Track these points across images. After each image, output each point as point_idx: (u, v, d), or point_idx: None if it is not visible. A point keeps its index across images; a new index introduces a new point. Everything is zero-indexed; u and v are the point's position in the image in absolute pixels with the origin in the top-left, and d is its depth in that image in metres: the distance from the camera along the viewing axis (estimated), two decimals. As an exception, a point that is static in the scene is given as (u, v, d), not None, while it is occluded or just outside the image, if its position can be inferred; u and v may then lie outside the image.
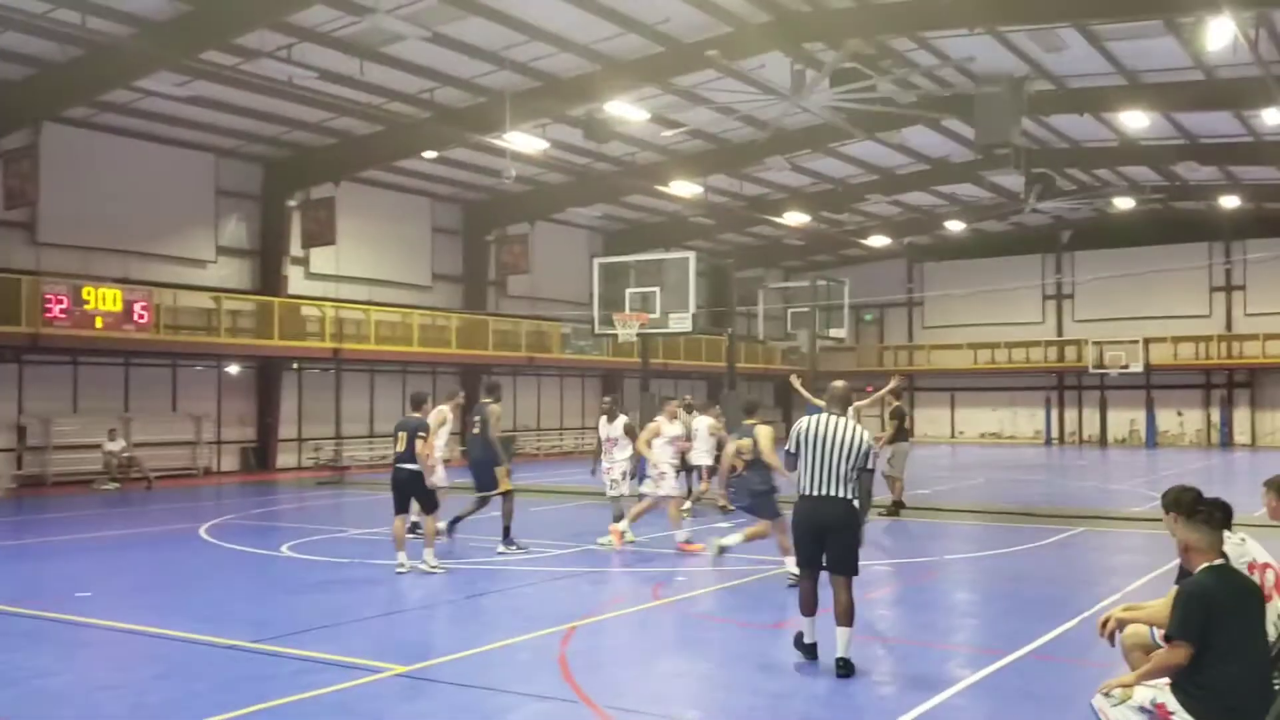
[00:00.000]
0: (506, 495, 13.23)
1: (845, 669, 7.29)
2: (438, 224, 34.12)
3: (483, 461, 13.21)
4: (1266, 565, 5.56)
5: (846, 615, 7.41)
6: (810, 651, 7.65)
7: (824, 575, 7.57)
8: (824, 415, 7.60)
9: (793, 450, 7.57)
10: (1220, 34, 17.87)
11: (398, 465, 11.94)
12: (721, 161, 30.72)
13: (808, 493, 7.45)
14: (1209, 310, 42.63)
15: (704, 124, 27.37)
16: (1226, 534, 5.52)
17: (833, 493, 7.38)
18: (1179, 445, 41.89)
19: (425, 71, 22.81)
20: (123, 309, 22.69)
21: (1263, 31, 19.13)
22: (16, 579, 11.89)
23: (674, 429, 14.08)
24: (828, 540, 7.45)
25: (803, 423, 7.57)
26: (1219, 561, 4.82)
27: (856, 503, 7.48)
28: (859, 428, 7.55)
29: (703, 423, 16.66)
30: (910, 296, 47.71)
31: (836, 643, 7.37)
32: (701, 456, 16.60)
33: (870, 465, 7.53)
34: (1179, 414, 43.40)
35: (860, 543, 7.64)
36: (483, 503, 13.70)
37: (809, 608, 7.64)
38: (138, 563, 13.29)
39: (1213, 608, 4.59)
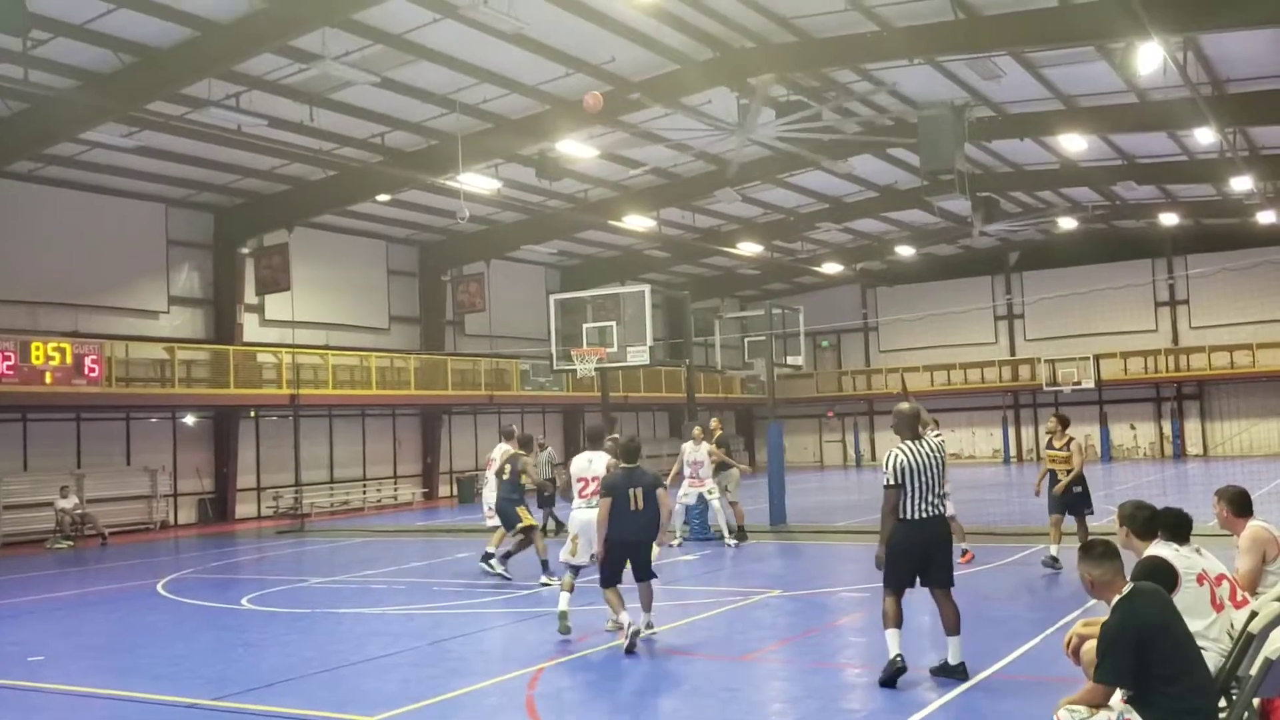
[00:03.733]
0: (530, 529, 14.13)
1: (964, 671, 7.75)
2: (393, 266, 34.06)
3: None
4: (1221, 577, 5.67)
5: (958, 623, 7.84)
6: (900, 666, 7.70)
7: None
8: (912, 443, 7.92)
9: (894, 482, 7.79)
10: (1150, 58, 18.31)
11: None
12: (673, 195, 30.99)
13: (914, 517, 7.77)
14: (1155, 325, 43.47)
15: (656, 159, 27.61)
16: (1179, 547, 5.64)
17: (938, 513, 7.87)
18: (1134, 458, 42.51)
19: (376, 116, 22.85)
20: (73, 363, 22.39)
21: (1190, 54, 19.67)
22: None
23: None
24: (934, 558, 7.88)
25: (899, 456, 7.82)
26: (1128, 588, 4.86)
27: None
28: (939, 444, 8.11)
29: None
30: (865, 321, 48.15)
31: (950, 652, 7.78)
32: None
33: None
34: (1132, 427, 44.09)
35: None
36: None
37: (899, 619, 7.85)
38: (93, 623, 13.06)
39: (1139, 640, 4.58)
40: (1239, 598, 5.71)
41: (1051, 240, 41.56)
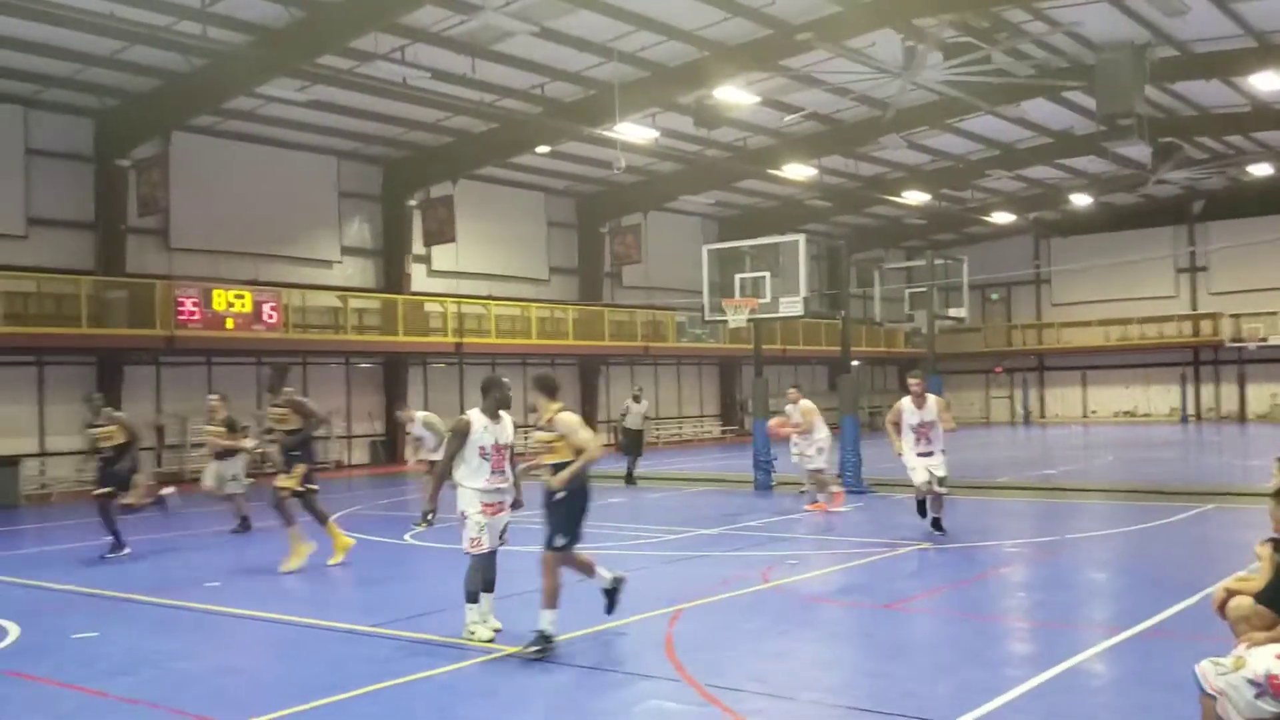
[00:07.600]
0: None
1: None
2: (552, 218, 34.56)
3: None
4: None
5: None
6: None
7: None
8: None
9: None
10: (1359, -16, 16.89)
11: None
12: (835, 142, 30.36)
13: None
14: (1359, 279, 40.34)
15: (817, 105, 27.07)
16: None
17: None
18: (1326, 421, 39.85)
19: (535, 66, 23.12)
20: (253, 310, 23.63)
21: (1407, -21, 18.06)
22: (153, 571, 12.49)
23: None
24: None
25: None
26: None
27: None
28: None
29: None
30: (1037, 273, 46.24)
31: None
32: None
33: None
34: (1326, 388, 41.25)
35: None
36: None
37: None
38: (265, 554, 13.78)
39: None
40: None
41: (1240, 187, 38.91)
